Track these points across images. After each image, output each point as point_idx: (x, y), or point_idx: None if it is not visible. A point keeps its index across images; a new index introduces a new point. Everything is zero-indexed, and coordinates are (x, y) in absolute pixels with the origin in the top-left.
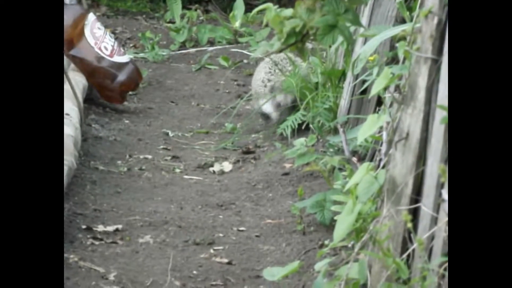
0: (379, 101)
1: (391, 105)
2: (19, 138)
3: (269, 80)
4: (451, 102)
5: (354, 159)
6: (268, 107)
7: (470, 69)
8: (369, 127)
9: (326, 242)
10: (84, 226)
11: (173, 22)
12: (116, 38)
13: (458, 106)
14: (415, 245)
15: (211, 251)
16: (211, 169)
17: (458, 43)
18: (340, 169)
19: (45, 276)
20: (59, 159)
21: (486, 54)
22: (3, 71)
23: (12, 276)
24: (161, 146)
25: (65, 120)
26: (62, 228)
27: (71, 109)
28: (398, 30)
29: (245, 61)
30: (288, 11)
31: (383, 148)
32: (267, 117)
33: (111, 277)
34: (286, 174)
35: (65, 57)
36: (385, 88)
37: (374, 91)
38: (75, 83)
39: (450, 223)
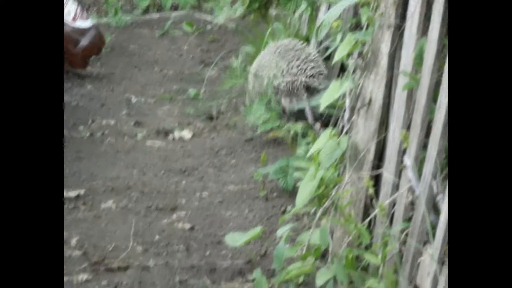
0: (343, 68)
1: (354, 71)
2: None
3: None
4: (451, 91)
5: (317, 125)
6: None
7: (471, 50)
8: (332, 93)
9: (289, 208)
10: None
11: None
12: (79, 3)
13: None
14: (376, 211)
15: (174, 216)
16: (174, 135)
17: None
18: (303, 135)
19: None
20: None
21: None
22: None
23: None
24: (124, 112)
25: None
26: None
27: None
28: None
29: (208, 26)
30: None
31: (346, 114)
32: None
33: (73, 242)
34: (249, 140)
35: None
36: (349, 54)
37: (337, 57)
38: None
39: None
